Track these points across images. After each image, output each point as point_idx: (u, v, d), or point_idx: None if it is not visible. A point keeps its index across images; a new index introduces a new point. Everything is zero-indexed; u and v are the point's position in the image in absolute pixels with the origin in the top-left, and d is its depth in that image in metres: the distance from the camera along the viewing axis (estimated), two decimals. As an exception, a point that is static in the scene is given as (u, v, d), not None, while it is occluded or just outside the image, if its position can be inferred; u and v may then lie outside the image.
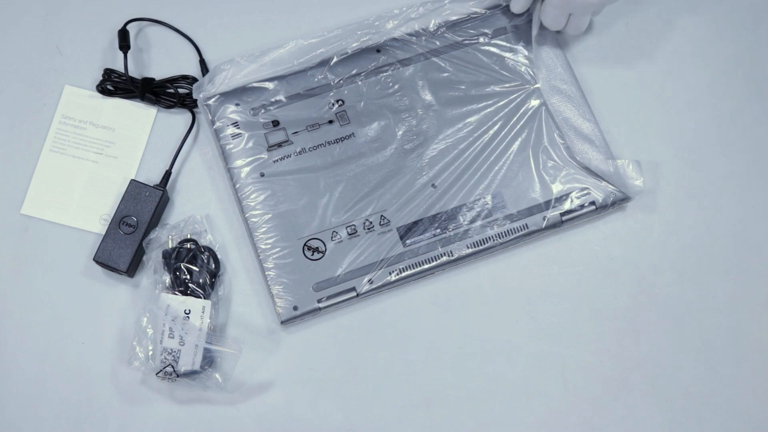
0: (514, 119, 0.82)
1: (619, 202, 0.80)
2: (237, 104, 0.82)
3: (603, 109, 0.85)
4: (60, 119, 0.84)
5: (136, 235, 0.78)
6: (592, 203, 0.80)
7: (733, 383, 0.79)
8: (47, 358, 0.78)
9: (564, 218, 0.79)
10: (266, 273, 0.77)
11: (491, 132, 0.82)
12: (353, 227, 0.78)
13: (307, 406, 0.77)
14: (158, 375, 0.74)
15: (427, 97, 0.83)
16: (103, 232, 0.79)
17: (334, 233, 0.78)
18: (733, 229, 0.83)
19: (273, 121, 0.82)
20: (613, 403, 0.78)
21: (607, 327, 0.80)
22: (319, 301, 0.76)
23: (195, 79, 0.84)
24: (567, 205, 0.79)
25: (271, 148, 0.81)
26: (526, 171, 0.81)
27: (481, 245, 0.78)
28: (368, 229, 0.78)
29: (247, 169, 0.80)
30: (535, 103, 0.83)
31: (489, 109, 0.83)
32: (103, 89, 0.84)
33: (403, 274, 0.78)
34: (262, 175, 0.80)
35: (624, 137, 0.85)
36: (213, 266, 0.78)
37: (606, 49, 0.88)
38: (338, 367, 0.78)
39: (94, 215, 0.82)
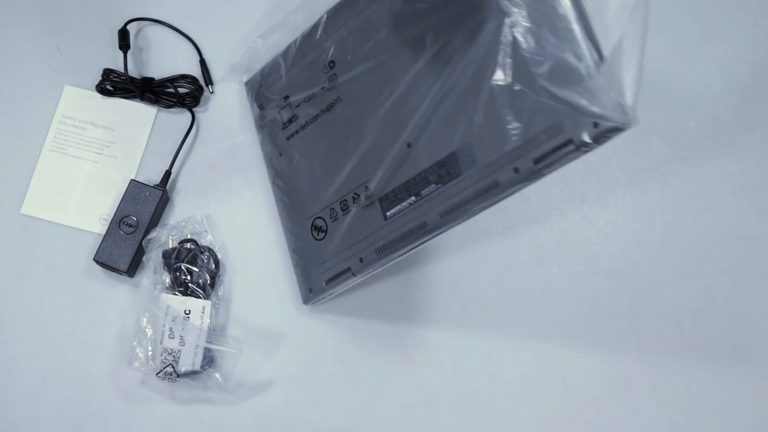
0: (475, 49, 0.64)
1: (604, 134, 0.57)
2: (261, 85, 0.81)
3: (603, 109, 0.85)
4: (60, 119, 0.84)
5: (136, 235, 0.78)
6: (570, 141, 0.59)
7: (733, 383, 0.79)
8: (47, 358, 0.78)
9: (539, 165, 0.61)
10: (291, 256, 0.78)
11: (455, 73, 0.65)
12: (345, 202, 0.73)
13: (307, 406, 0.77)
14: (158, 375, 0.74)
15: (395, 36, 0.70)
16: (103, 232, 0.79)
17: (332, 210, 0.74)
18: (733, 229, 0.83)
19: (284, 96, 0.79)
20: (613, 403, 0.78)
21: (607, 327, 0.80)
22: (326, 282, 0.75)
23: (195, 79, 0.84)
24: (540, 149, 0.60)
25: (284, 126, 0.79)
26: (490, 113, 0.63)
27: (455, 211, 0.65)
28: (356, 202, 0.72)
29: (271, 150, 0.80)
30: (498, 22, 0.62)
31: (452, 42, 0.66)
32: (102, 89, 0.84)
33: (386, 252, 0.70)
34: (281, 155, 0.79)
35: (624, 137, 0.84)
36: (213, 266, 0.78)
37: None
38: (338, 367, 0.78)
39: (94, 215, 0.82)
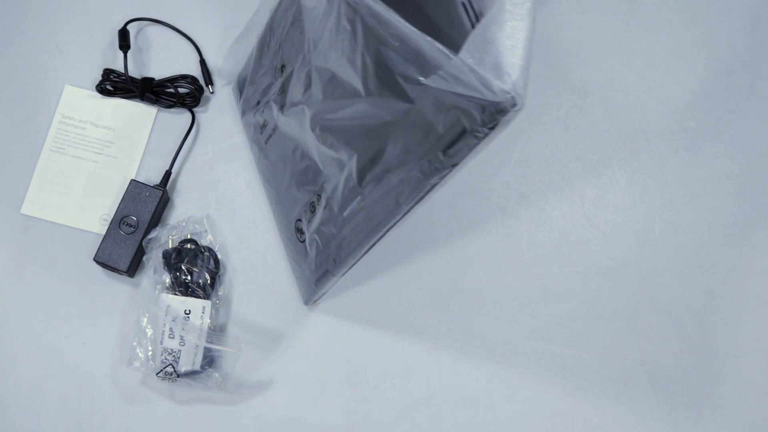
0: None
1: (493, 117, 0.51)
2: (241, 90, 0.81)
3: (603, 109, 0.85)
4: (60, 119, 0.84)
5: (136, 235, 0.78)
6: (464, 130, 0.54)
7: (733, 383, 0.79)
8: (47, 358, 0.78)
9: (447, 155, 0.56)
10: (287, 257, 0.78)
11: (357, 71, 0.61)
12: (312, 204, 0.72)
13: (307, 406, 0.77)
14: (158, 375, 0.74)
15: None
16: (103, 232, 0.79)
17: (305, 212, 0.74)
18: (733, 229, 0.83)
19: (257, 101, 0.78)
20: (613, 403, 0.78)
21: (607, 327, 0.80)
22: (315, 283, 0.75)
23: (195, 79, 0.84)
24: (443, 140, 0.56)
25: (261, 129, 0.78)
26: (403, 107, 0.58)
27: (393, 207, 0.62)
28: (318, 203, 0.71)
29: (257, 153, 0.79)
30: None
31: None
32: (102, 89, 0.84)
33: (349, 251, 0.68)
34: (265, 158, 0.79)
35: (624, 137, 0.85)
36: (213, 266, 0.78)
37: (606, 48, 0.88)
38: (338, 367, 0.78)
39: (94, 215, 0.82)
